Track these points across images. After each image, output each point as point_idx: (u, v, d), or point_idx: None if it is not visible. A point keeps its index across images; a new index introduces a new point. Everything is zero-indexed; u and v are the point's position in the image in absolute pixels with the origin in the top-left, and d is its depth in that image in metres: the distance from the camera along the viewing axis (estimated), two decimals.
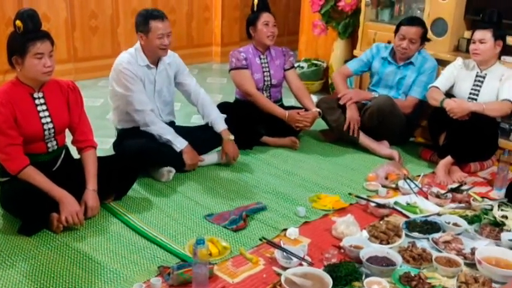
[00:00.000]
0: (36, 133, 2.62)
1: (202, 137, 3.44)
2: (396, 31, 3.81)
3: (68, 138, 2.87)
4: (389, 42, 4.20)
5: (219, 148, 3.52)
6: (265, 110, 3.83)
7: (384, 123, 3.75)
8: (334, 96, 4.08)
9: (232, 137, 3.44)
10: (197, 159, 3.33)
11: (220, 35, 6.72)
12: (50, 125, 2.66)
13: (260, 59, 3.91)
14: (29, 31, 2.48)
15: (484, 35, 3.39)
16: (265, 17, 3.78)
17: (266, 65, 3.92)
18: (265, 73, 3.91)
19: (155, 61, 3.30)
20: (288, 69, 4.00)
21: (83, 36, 5.56)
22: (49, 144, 2.71)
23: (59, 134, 2.74)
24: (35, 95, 2.63)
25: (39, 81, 2.60)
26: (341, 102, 3.85)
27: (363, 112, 3.81)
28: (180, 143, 3.24)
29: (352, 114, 3.80)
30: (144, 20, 3.16)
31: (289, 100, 4.34)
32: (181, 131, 3.47)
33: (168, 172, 3.25)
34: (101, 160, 2.86)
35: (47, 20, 5.16)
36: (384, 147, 3.78)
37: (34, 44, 2.48)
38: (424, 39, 3.80)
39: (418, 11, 4.28)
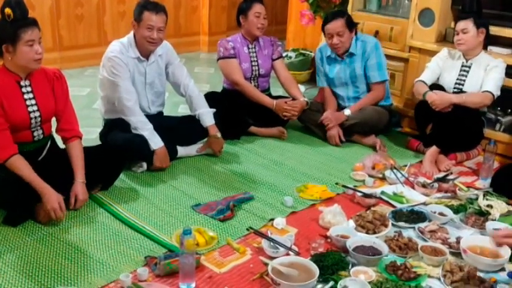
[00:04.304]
0: (23, 121, 2.59)
1: (187, 129, 3.42)
2: (323, 33, 3.81)
3: (54, 128, 2.84)
4: (377, 32, 4.20)
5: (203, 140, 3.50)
6: (253, 100, 3.82)
7: (372, 129, 3.80)
8: (319, 99, 4.10)
9: (219, 135, 3.42)
10: (167, 164, 3.23)
11: (207, 24, 6.68)
12: (37, 113, 2.63)
13: (248, 48, 3.89)
14: (18, 19, 2.46)
15: (466, 25, 3.42)
16: (258, 8, 3.76)
17: (254, 54, 3.91)
18: (253, 63, 3.90)
19: (146, 54, 3.26)
20: (276, 59, 3.99)
21: (69, 24, 5.49)
22: (35, 133, 2.68)
23: (45, 123, 2.72)
24: (22, 83, 2.60)
25: (29, 68, 2.57)
26: (325, 124, 3.78)
27: (349, 125, 3.78)
28: (154, 143, 3.16)
29: (333, 134, 3.76)
30: (140, 9, 3.13)
31: (277, 90, 4.33)
32: (168, 121, 3.46)
33: (139, 167, 3.24)
34: (87, 150, 2.84)
35: (32, 8, 5.08)
36: (368, 138, 3.80)
37: (25, 31, 2.45)
38: (351, 26, 3.75)
39: (406, 1, 4.28)
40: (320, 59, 3.99)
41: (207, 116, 3.42)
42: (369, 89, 3.88)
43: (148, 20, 3.10)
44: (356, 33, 3.82)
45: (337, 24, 3.70)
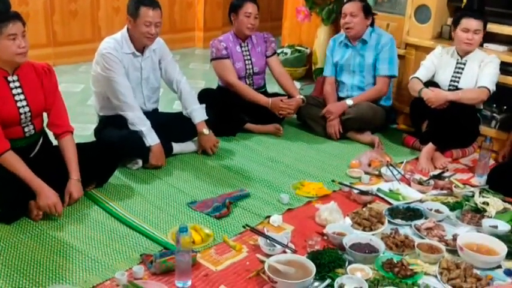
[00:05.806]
0: (12, 117, 2.57)
1: (182, 125, 3.40)
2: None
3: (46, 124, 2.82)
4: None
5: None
6: (248, 99, 3.80)
7: (366, 126, 3.79)
8: (315, 94, 4.08)
9: (206, 131, 3.39)
10: (162, 162, 3.22)
11: (203, 20, 6.65)
12: (26, 109, 2.61)
13: (241, 47, 3.86)
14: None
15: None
16: (249, 7, 3.71)
17: (247, 53, 3.88)
18: (247, 61, 3.87)
19: (141, 48, 3.24)
20: (270, 55, 3.97)
21: (63, 20, 5.44)
22: (26, 129, 2.66)
23: (35, 118, 2.69)
24: (10, 78, 2.58)
25: (14, 63, 2.54)
26: (326, 116, 3.81)
27: (344, 120, 3.78)
28: (151, 139, 3.15)
29: (333, 123, 3.77)
30: (136, 4, 3.09)
31: (273, 87, 4.32)
32: (163, 117, 3.43)
33: (134, 164, 3.22)
34: (82, 147, 2.83)
35: (26, 3, 5.05)
36: (365, 135, 3.79)
37: (6, 25, 2.42)
38: (367, 12, 3.78)
39: None
40: (331, 47, 4.02)
41: (196, 113, 3.39)
42: (374, 83, 3.89)
43: (146, 16, 3.07)
44: (373, 25, 3.86)
45: (353, 6, 3.76)
